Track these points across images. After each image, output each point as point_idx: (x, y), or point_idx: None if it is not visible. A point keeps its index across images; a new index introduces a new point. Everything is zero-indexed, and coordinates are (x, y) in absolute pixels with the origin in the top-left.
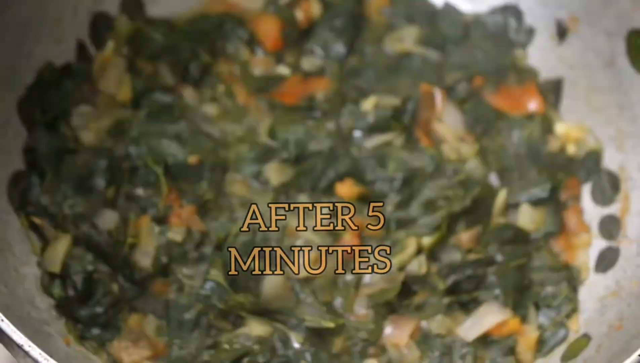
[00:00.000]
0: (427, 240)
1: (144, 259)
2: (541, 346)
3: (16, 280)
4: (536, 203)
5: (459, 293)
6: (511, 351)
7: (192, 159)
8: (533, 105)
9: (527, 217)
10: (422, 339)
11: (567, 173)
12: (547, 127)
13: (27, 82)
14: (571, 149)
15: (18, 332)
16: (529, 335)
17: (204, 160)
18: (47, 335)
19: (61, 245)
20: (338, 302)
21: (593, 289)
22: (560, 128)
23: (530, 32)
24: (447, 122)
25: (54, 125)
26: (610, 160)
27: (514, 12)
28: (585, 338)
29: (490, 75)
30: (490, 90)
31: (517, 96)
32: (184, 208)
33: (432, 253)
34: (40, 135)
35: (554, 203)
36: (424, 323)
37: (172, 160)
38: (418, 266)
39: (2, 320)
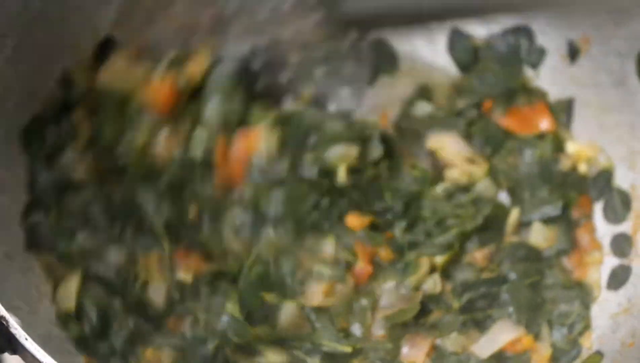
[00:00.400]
0: (440, 259)
1: (157, 296)
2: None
3: (37, 299)
4: (548, 221)
5: (473, 311)
6: None
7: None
8: (544, 124)
9: (539, 235)
10: (438, 357)
11: (579, 191)
12: (559, 146)
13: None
14: (583, 168)
15: (41, 350)
16: (543, 352)
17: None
18: (67, 353)
19: (73, 283)
20: (355, 327)
21: (605, 307)
22: (571, 147)
23: (542, 53)
24: (451, 149)
25: (52, 160)
26: (622, 179)
27: (526, 33)
28: (598, 355)
29: (500, 98)
30: (500, 112)
31: (528, 116)
32: (190, 257)
33: (446, 272)
34: (39, 169)
35: (566, 221)
36: (439, 341)
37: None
38: (433, 285)
39: (26, 339)
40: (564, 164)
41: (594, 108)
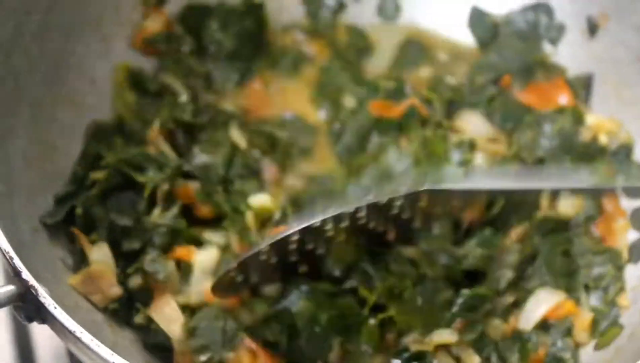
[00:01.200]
0: None
1: None
2: (596, 326)
3: (63, 271)
4: (575, 189)
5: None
6: (569, 332)
7: None
8: (563, 100)
9: (567, 204)
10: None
11: (601, 161)
12: (578, 119)
13: (70, 81)
14: (603, 139)
15: (70, 319)
16: (584, 316)
17: None
18: (94, 324)
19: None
20: None
21: (625, 279)
22: (591, 119)
23: (561, 29)
24: (475, 128)
25: None
26: None
27: (545, 9)
28: (619, 327)
29: (519, 73)
30: (518, 87)
31: (547, 92)
32: None
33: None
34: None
35: (592, 189)
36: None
37: None
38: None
39: (55, 308)
40: (585, 136)
41: (612, 83)
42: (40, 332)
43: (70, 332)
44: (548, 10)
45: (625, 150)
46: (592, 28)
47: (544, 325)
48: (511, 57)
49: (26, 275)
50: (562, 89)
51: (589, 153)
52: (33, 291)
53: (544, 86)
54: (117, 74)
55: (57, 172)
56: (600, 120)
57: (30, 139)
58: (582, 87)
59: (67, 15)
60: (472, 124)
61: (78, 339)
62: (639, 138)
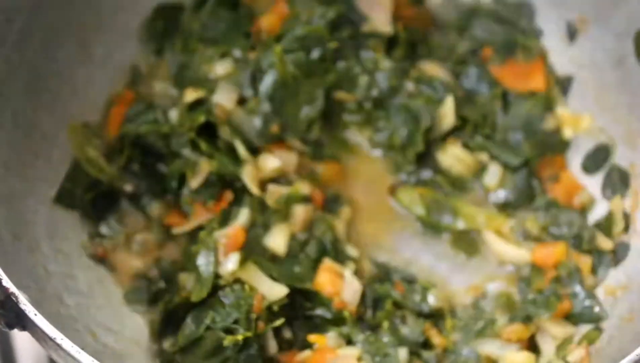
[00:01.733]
0: None
1: None
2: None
3: (45, 278)
4: (507, 168)
5: None
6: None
7: None
8: (536, 82)
9: (493, 177)
10: None
11: (554, 151)
12: (548, 105)
13: (51, 88)
14: (567, 133)
15: (50, 326)
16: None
17: None
18: (75, 331)
19: None
20: None
21: (605, 283)
22: (562, 111)
23: (538, 33)
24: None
25: None
26: (621, 158)
27: (527, 9)
28: (597, 330)
29: (500, 48)
30: (496, 62)
31: (523, 72)
32: None
33: None
34: None
35: (527, 175)
36: None
37: None
38: None
39: (36, 315)
40: (549, 124)
41: (592, 88)
42: (23, 339)
43: (51, 338)
44: (529, 13)
45: (605, 151)
46: (572, 33)
47: None
48: (494, 29)
49: (6, 282)
50: (538, 71)
51: (548, 142)
52: (13, 298)
53: (522, 66)
54: (72, 135)
55: (38, 178)
56: (571, 114)
57: (11, 147)
58: (561, 84)
59: (47, 22)
60: (435, 72)
61: (59, 346)
62: (619, 142)
